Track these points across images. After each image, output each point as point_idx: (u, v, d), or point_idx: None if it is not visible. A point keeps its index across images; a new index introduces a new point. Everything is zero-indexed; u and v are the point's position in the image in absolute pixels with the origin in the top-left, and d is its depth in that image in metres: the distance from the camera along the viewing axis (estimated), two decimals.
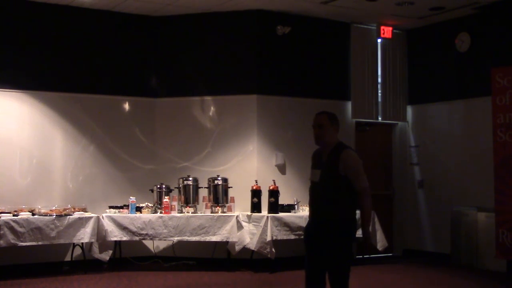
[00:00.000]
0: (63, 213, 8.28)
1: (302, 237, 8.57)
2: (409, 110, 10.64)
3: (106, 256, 8.54)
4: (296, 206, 9.08)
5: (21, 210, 8.20)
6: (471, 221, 9.26)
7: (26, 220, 8.00)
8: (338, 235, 4.88)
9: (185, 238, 8.69)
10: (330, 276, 4.91)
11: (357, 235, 5.10)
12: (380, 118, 10.42)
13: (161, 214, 8.72)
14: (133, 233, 8.59)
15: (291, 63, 9.73)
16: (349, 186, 4.88)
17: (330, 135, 4.99)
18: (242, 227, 8.81)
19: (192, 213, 8.86)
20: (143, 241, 9.10)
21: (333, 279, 4.89)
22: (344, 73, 10.15)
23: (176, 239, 8.82)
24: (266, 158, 9.44)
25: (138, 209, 8.79)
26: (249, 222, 8.82)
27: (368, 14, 9.67)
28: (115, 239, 8.60)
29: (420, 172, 10.42)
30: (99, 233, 8.44)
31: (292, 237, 8.75)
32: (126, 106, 9.54)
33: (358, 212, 4.95)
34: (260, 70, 9.51)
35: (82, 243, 8.46)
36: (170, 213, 8.72)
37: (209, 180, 9.03)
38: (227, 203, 9.01)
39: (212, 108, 9.56)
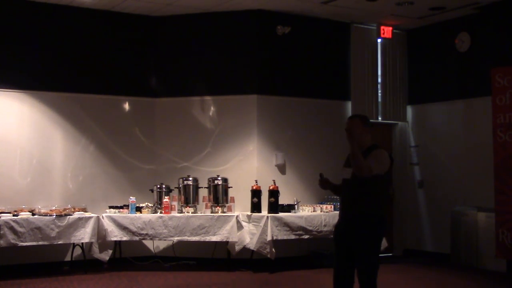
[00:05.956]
0: (63, 213, 8.28)
1: (303, 237, 8.75)
2: (409, 110, 10.65)
3: (106, 256, 8.54)
4: (296, 206, 9.07)
5: (21, 210, 8.20)
6: (471, 221, 9.26)
7: (26, 220, 8.00)
8: (367, 231, 5.00)
9: (185, 238, 8.69)
10: (359, 273, 5.02)
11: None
12: (380, 118, 10.42)
13: (161, 214, 8.72)
14: (133, 233, 8.59)
15: (291, 63, 9.73)
16: (378, 184, 5.02)
17: (363, 137, 5.11)
18: (242, 227, 8.81)
19: (192, 213, 8.86)
20: (143, 241, 9.10)
21: (362, 275, 5.00)
22: (344, 73, 10.15)
23: (176, 239, 8.82)
24: (266, 158, 9.44)
25: (138, 209, 8.79)
26: (249, 222, 8.82)
27: (368, 14, 9.67)
28: (115, 239, 8.60)
29: (420, 172, 10.42)
30: (99, 233, 8.44)
31: (292, 237, 8.75)
32: (126, 106, 9.54)
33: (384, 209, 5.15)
34: (260, 70, 9.51)
35: (82, 243, 8.46)
36: (170, 213, 8.72)
37: (209, 180, 9.03)
38: (227, 203, 9.01)
39: (212, 108, 9.56)
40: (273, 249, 8.50)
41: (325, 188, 5.42)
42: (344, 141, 5.27)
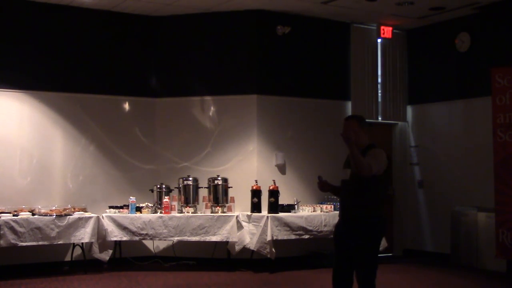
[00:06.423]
0: (63, 213, 8.28)
1: (303, 237, 8.75)
2: (409, 110, 10.65)
3: (106, 256, 8.54)
4: (296, 206, 9.08)
5: (21, 210, 8.20)
6: (471, 221, 9.26)
7: (26, 220, 8.00)
8: (366, 232, 5.00)
9: (185, 238, 8.69)
10: (357, 273, 5.03)
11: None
12: (380, 118, 10.42)
13: (161, 214, 8.72)
14: (133, 233, 8.59)
15: (291, 63, 9.73)
16: (377, 185, 5.01)
17: (361, 137, 5.11)
18: (242, 227, 8.81)
19: (192, 213, 8.86)
20: (143, 241, 9.10)
21: (360, 275, 5.01)
22: (344, 73, 10.15)
23: (176, 239, 8.82)
24: (266, 158, 9.44)
25: (138, 209, 8.79)
26: (249, 222, 8.82)
27: (368, 14, 9.68)
28: (115, 239, 8.60)
29: (420, 172, 10.42)
30: (99, 233, 8.44)
31: (292, 237, 8.75)
32: (126, 106, 9.54)
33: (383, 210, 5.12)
34: (260, 70, 9.51)
35: (82, 243, 8.46)
36: (170, 213, 8.72)
37: (209, 180, 9.03)
38: (227, 203, 9.01)
39: (212, 108, 9.56)
40: (273, 249, 8.50)
41: (324, 191, 5.43)
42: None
